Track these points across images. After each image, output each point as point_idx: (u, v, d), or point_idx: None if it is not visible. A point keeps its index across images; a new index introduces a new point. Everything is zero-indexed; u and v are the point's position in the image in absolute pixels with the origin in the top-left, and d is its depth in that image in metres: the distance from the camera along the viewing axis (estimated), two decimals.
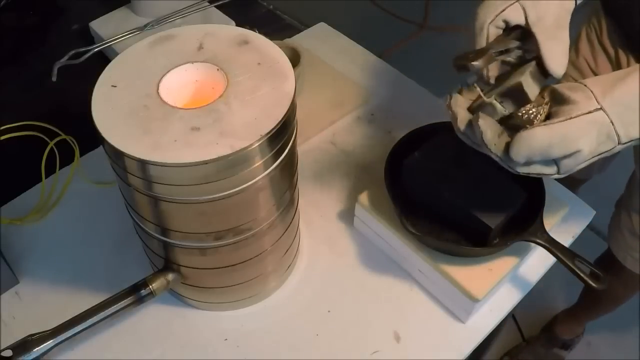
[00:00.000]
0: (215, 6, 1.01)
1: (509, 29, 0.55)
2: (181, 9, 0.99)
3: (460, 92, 0.56)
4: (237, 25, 0.95)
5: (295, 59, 0.83)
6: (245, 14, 1.09)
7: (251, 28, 0.58)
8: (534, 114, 0.50)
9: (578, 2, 0.55)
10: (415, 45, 2.31)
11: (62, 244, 0.73)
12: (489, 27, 0.54)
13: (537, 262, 0.70)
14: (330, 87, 0.90)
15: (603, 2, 0.85)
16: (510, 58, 0.56)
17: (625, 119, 0.47)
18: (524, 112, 0.50)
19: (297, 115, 0.55)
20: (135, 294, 0.60)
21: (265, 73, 0.52)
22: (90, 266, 0.70)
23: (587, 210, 0.77)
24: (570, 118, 0.47)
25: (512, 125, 0.51)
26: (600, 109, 0.47)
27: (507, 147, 0.49)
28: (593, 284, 0.60)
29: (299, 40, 0.99)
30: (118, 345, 0.64)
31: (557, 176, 0.50)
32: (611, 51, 0.86)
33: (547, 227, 0.63)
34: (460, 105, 0.54)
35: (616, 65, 0.86)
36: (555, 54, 0.53)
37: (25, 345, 0.55)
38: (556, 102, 0.51)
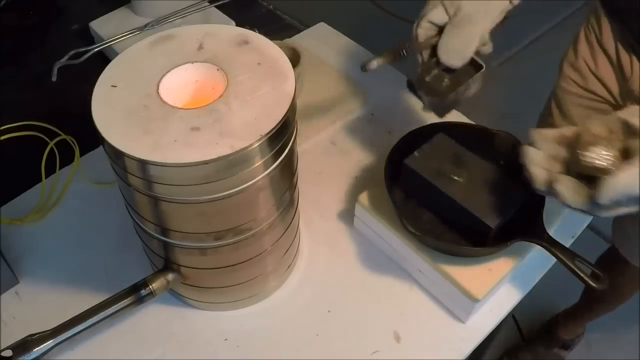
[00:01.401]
0: (215, 6, 1.01)
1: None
2: (181, 9, 0.99)
3: (532, 143, 0.55)
4: (237, 25, 0.95)
5: (295, 59, 0.83)
6: (245, 14, 1.09)
7: (251, 28, 0.58)
8: (608, 158, 0.49)
9: (515, 2, 0.59)
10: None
11: (62, 244, 0.73)
12: (416, 30, 0.62)
13: (537, 262, 0.70)
14: (330, 87, 0.90)
15: (603, 4, 0.85)
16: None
17: None
18: (595, 157, 0.49)
19: (297, 115, 0.55)
20: (135, 294, 0.60)
21: (265, 73, 0.52)
22: (90, 266, 0.70)
23: None
24: None
25: (588, 177, 0.50)
26: None
27: (590, 198, 0.49)
28: (593, 284, 0.60)
29: (299, 40, 0.99)
30: (118, 345, 0.64)
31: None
32: (612, 52, 0.86)
33: (547, 227, 0.63)
34: (537, 163, 0.53)
35: (618, 67, 0.86)
36: (449, 43, 0.60)
37: (25, 345, 0.55)
38: (629, 135, 0.49)
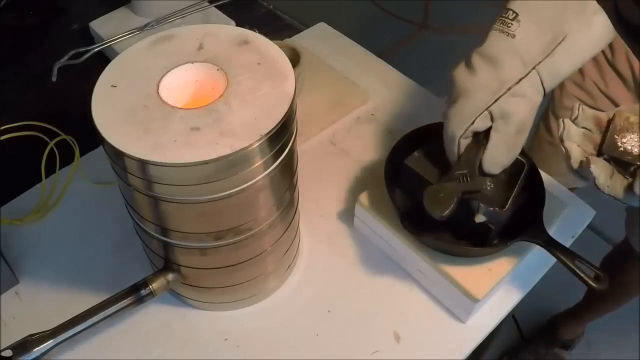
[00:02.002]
0: (215, 6, 1.01)
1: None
2: (181, 9, 0.99)
3: (575, 119, 0.54)
4: (237, 25, 0.95)
5: (295, 59, 0.83)
6: (245, 14, 1.09)
7: (251, 28, 0.58)
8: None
9: (547, 91, 0.55)
10: (415, 45, 2.31)
11: (62, 244, 0.73)
12: (459, 141, 0.57)
13: (537, 262, 0.70)
14: (330, 87, 0.90)
15: (620, 25, 0.84)
16: None
17: None
18: (634, 143, 0.49)
19: (297, 115, 0.55)
20: (135, 294, 0.60)
21: (265, 73, 0.52)
22: (90, 266, 0.70)
23: (587, 210, 0.77)
24: None
25: (623, 163, 0.50)
26: None
27: (626, 186, 0.48)
28: (593, 284, 0.60)
29: (299, 40, 0.99)
30: (118, 345, 0.64)
31: None
32: (626, 72, 0.84)
33: (547, 227, 0.63)
34: (573, 139, 0.53)
35: (633, 83, 0.84)
36: (496, 156, 0.56)
37: (25, 345, 0.55)
38: None
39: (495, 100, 0.54)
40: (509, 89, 0.54)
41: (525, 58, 0.54)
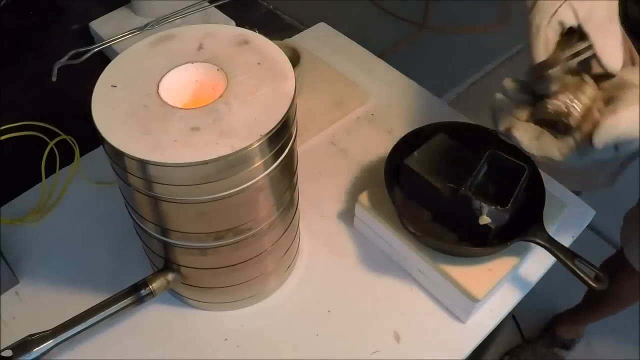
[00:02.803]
0: (215, 6, 1.01)
1: (566, 34, 0.53)
2: (181, 9, 0.99)
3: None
4: (237, 25, 0.95)
5: (295, 59, 0.83)
6: (245, 14, 1.09)
7: (251, 28, 0.58)
8: (572, 104, 0.49)
9: None
10: (415, 45, 2.31)
11: (62, 244, 0.73)
12: (547, 30, 0.52)
13: (537, 262, 0.70)
14: (330, 87, 0.90)
15: (624, 22, 0.83)
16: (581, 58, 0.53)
17: None
18: (556, 105, 0.50)
19: (297, 115, 0.55)
20: (135, 294, 0.60)
21: (265, 73, 0.52)
22: (90, 266, 0.70)
23: (587, 210, 0.77)
24: None
25: (552, 124, 0.51)
26: None
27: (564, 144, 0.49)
28: (593, 285, 0.60)
29: (299, 40, 0.99)
30: (118, 345, 0.64)
31: (609, 160, 0.50)
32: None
33: (547, 227, 0.63)
34: (501, 107, 0.53)
35: None
36: (609, 48, 0.52)
37: (25, 345, 0.55)
38: (614, 87, 0.50)
39: None
40: None
41: None
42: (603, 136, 0.47)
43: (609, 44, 0.52)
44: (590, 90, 0.50)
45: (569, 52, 0.52)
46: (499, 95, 0.54)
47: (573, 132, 0.50)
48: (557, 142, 0.50)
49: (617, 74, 0.51)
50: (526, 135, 0.51)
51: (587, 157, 0.50)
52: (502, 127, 0.53)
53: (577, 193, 0.81)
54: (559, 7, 0.52)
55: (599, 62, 0.52)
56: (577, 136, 0.50)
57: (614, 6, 0.53)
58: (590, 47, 0.52)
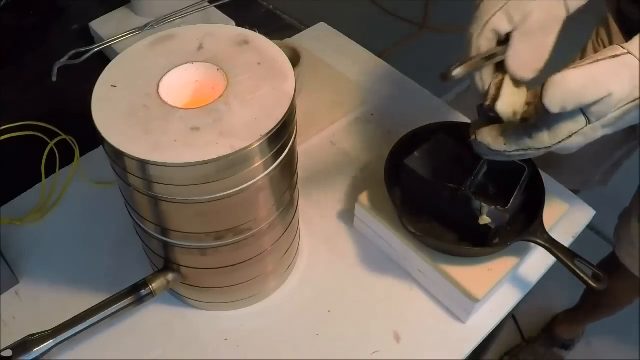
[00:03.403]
0: (215, 6, 1.01)
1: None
2: (181, 9, 0.99)
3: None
4: (237, 25, 0.95)
5: (295, 59, 0.83)
6: (245, 14, 1.09)
7: (251, 28, 0.58)
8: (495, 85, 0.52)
9: (571, 11, 0.53)
10: (415, 45, 2.31)
11: (62, 244, 0.73)
12: (478, 40, 0.53)
13: (537, 262, 0.70)
14: (330, 87, 0.90)
15: (618, 20, 0.83)
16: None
17: None
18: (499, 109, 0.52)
19: (297, 115, 0.55)
20: (135, 294, 0.60)
21: (265, 73, 0.52)
22: (90, 266, 0.70)
23: (587, 210, 0.77)
24: (597, 60, 0.45)
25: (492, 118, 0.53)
26: (628, 52, 0.45)
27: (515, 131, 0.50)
28: (593, 284, 0.60)
29: (299, 40, 0.99)
30: (118, 345, 0.64)
31: (588, 130, 0.48)
32: None
33: (547, 227, 0.63)
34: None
35: None
36: (522, 54, 0.52)
37: (25, 345, 0.55)
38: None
39: None
40: None
41: None
42: (551, 95, 0.45)
43: (523, 51, 0.52)
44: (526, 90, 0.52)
45: (486, 54, 0.53)
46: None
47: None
48: (524, 130, 0.50)
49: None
50: (490, 136, 0.51)
51: (560, 134, 0.48)
52: (471, 138, 0.54)
53: (576, 192, 0.81)
54: (493, 15, 0.53)
55: (506, 66, 0.53)
56: (533, 119, 0.50)
57: (553, 22, 0.53)
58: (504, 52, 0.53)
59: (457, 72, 0.51)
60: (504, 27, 0.53)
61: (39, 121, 0.79)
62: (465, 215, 0.62)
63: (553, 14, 0.53)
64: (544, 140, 0.49)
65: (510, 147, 0.51)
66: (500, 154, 0.52)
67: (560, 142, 0.49)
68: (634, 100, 0.46)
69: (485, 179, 0.63)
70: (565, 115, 0.47)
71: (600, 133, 0.48)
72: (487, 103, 0.53)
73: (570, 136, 0.48)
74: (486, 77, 0.54)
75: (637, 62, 0.45)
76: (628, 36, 0.82)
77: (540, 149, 0.50)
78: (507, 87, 0.53)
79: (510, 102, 0.53)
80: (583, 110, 0.47)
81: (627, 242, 1.01)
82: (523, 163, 0.62)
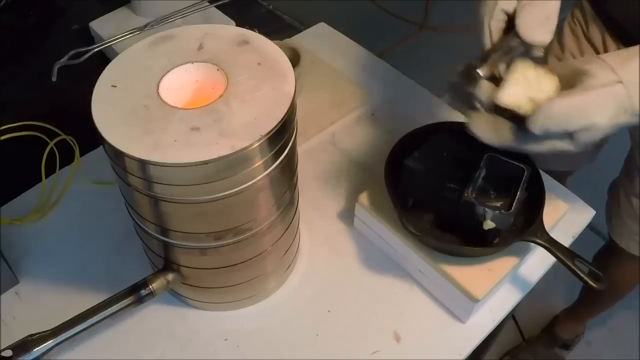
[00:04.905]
0: (215, 6, 1.01)
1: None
2: (181, 9, 0.99)
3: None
4: (237, 25, 0.95)
5: (295, 59, 0.83)
6: (245, 14, 1.09)
7: (251, 28, 0.58)
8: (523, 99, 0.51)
9: None
10: (415, 45, 2.31)
11: (62, 244, 0.73)
12: (490, 24, 0.54)
13: (537, 262, 0.70)
14: (330, 87, 0.90)
15: (611, 25, 0.84)
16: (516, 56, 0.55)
17: None
18: (509, 99, 0.51)
19: (297, 115, 0.55)
20: (135, 294, 0.60)
21: (265, 73, 0.52)
22: (90, 266, 0.70)
23: (587, 210, 0.77)
24: (588, 90, 0.47)
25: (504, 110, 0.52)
26: (619, 81, 0.47)
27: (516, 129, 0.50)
28: (593, 284, 0.60)
29: (299, 40, 0.99)
30: (118, 345, 0.64)
31: (571, 150, 0.50)
32: (599, 44, 0.85)
33: (547, 227, 0.63)
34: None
35: None
36: (530, 18, 0.52)
37: (25, 345, 0.55)
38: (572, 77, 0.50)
39: None
40: None
41: None
42: (535, 121, 0.48)
43: (530, 14, 0.52)
44: (547, 84, 0.51)
45: (500, 49, 0.54)
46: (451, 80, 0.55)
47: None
48: (512, 130, 0.51)
49: (576, 63, 0.51)
50: (480, 127, 0.52)
51: (545, 147, 0.50)
52: (467, 125, 0.54)
53: (568, 173, 0.81)
54: None
55: (517, 34, 0.52)
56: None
57: None
58: (521, 43, 0.53)
59: (485, 72, 0.52)
60: (512, 6, 0.53)
61: (39, 121, 0.79)
62: (465, 215, 0.62)
63: None
64: (532, 147, 0.51)
65: (498, 143, 0.52)
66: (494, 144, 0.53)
67: (545, 152, 0.51)
68: (617, 126, 0.48)
69: (485, 181, 0.63)
70: (551, 134, 0.49)
71: (585, 147, 0.50)
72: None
73: (555, 148, 0.50)
74: (495, 33, 0.54)
75: (626, 92, 0.47)
76: (602, 13, 0.81)
77: (530, 152, 0.52)
78: (516, 75, 0.52)
79: (513, 92, 0.52)
80: (569, 134, 0.49)
81: (618, 222, 1.01)
82: (523, 164, 0.62)
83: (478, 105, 0.53)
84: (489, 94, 0.52)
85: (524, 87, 0.51)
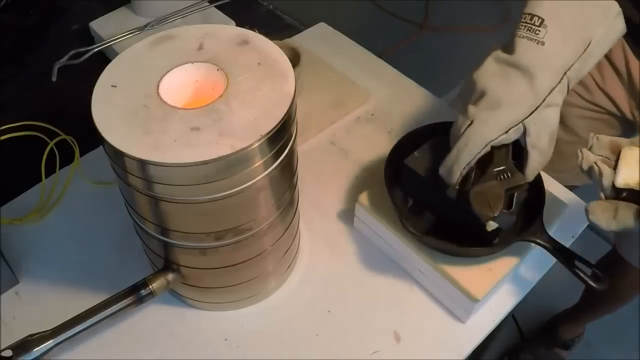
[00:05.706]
0: (215, 6, 1.01)
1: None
2: (181, 9, 0.99)
3: (590, 147, 0.56)
4: (237, 25, 0.95)
5: (295, 59, 0.83)
6: (245, 14, 1.09)
7: (251, 28, 0.58)
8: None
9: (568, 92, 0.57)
10: (415, 45, 2.31)
11: (62, 244, 0.73)
12: (487, 146, 0.55)
13: (537, 262, 0.70)
14: (330, 87, 0.90)
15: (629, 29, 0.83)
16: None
17: None
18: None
19: (297, 115, 0.55)
20: (135, 294, 0.60)
21: (265, 73, 0.52)
22: (90, 266, 0.70)
23: None
24: None
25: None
26: None
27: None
28: (593, 285, 0.60)
29: (299, 40, 0.99)
30: (118, 345, 0.64)
31: None
32: (621, 65, 0.85)
33: (547, 227, 0.63)
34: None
35: (627, 78, 0.85)
36: (536, 164, 0.57)
37: (25, 345, 0.55)
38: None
39: (531, 113, 0.54)
40: (544, 100, 0.54)
41: (557, 66, 0.54)
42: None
43: (537, 160, 0.57)
44: None
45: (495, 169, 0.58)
46: (587, 153, 0.55)
47: None
48: (634, 212, 0.50)
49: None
50: (598, 215, 0.52)
51: None
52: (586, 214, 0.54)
53: (575, 187, 0.81)
54: (512, 127, 0.54)
55: (517, 173, 0.57)
56: None
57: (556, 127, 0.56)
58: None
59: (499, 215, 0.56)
60: (516, 137, 0.56)
61: (39, 121, 0.79)
62: (465, 215, 0.62)
63: (559, 113, 0.56)
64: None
65: (620, 227, 0.51)
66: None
67: None
68: None
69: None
70: None
71: None
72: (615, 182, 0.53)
73: None
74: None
75: None
76: (634, 44, 0.81)
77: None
78: (626, 159, 0.53)
79: (628, 173, 0.53)
80: None
81: (623, 235, 1.01)
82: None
83: (601, 194, 0.54)
84: (610, 180, 0.53)
85: (637, 167, 0.52)
